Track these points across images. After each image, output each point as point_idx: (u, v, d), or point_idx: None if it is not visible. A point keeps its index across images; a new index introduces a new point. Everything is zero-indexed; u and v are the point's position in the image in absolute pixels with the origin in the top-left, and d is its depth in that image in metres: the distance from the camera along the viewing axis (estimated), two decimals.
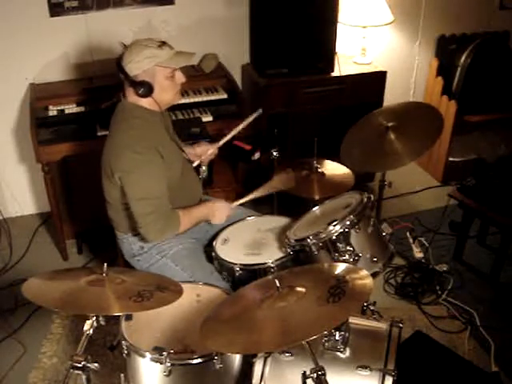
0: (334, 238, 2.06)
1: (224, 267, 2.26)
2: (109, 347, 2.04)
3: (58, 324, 2.78)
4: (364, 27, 3.51)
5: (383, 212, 3.17)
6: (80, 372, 1.64)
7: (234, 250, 2.30)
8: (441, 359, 2.32)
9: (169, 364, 1.75)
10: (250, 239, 2.37)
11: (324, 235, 2.06)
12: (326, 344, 1.78)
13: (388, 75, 3.54)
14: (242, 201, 2.45)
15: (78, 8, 3.16)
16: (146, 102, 2.16)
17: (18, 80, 3.24)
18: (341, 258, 2.05)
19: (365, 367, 1.72)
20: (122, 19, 3.24)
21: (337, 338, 1.78)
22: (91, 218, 3.20)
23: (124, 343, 1.85)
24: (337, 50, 3.41)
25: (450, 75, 3.90)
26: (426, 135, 2.59)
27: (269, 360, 1.79)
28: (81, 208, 3.33)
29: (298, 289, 1.67)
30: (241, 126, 2.59)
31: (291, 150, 3.38)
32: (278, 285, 1.67)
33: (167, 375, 1.76)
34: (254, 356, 1.81)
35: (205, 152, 2.56)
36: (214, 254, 2.30)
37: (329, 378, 1.53)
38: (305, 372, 1.55)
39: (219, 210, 2.35)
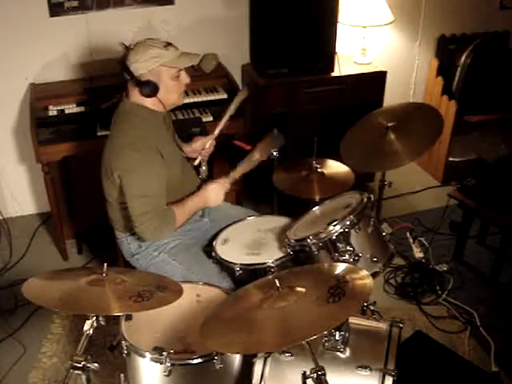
0: (333, 237, 2.06)
1: (224, 267, 2.26)
2: (109, 347, 2.03)
3: (57, 324, 2.78)
4: (364, 27, 3.50)
5: (383, 212, 3.17)
6: (80, 372, 1.64)
7: (234, 250, 2.30)
8: (441, 359, 2.32)
9: (169, 364, 1.75)
10: (250, 239, 2.37)
11: (324, 235, 2.06)
12: (326, 344, 1.78)
13: (388, 75, 3.54)
14: (235, 176, 2.40)
15: (77, 8, 3.16)
16: (149, 103, 2.16)
17: (18, 80, 3.24)
18: (341, 258, 2.05)
19: (365, 367, 1.72)
20: (122, 19, 3.24)
21: (337, 337, 1.78)
22: (91, 218, 3.20)
23: (124, 343, 1.85)
24: (337, 50, 3.41)
25: (450, 75, 3.90)
26: (426, 135, 2.59)
27: (269, 360, 1.79)
28: (81, 208, 3.33)
29: (298, 289, 1.67)
30: (231, 109, 2.55)
31: (291, 150, 3.37)
32: (278, 285, 1.67)
33: (167, 375, 1.76)
34: (254, 356, 1.80)
35: (203, 145, 2.55)
36: (213, 253, 2.30)
37: (329, 378, 1.53)
38: (305, 372, 1.55)
39: (211, 193, 2.31)
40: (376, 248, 2.15)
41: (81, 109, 3.07)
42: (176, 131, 2.45)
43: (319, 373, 1.51)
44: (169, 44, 2.13)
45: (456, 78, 3.89)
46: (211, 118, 3.12)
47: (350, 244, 2.07)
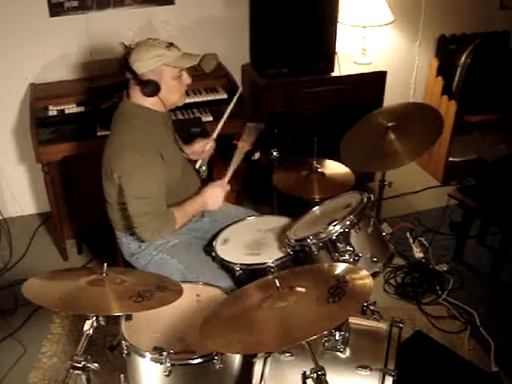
0: (333, 237, 2.06)
1: (224, 267, 2.26)
2: (109, 347, 2.03)
3: (57, 324, 2.78)
4: (364, 27, 3.51)
5: (383, 212, 3.17)
6: (80, 372, 1.64)
7: (234, 250, 2.30)
8: (441, 359, 2.32)
9: (169, 364, 1.75)
10: (250, 239, 2.37)
11: (324, 235, 2.06)
12: (326, 344, 1.78)
13: (388, 75, 3.54)
14: (229, 174, 2.41)
15: (77, 8, 3.16)
16: (150, 102, 2.16)
17: (18, 80, 3.24)
18: (341, 258, 2.05)
19: (365, 367, 1.72)
20: (122, 19, 3.24)
21: (337, 338, 1.78)
22: (91, 218, 3.20)
23: (124, 343, 1.85)
24: (337, 50, 3.41)
25: (449, 75, 3.90)
26: (426, 136, 2.59)
27: (269, 360, 1.79)
28: (81, 208, 3.33)
29: (298, 289, 1.67)
30: (228, 111, 2.56)
31: (291, 150, 3.38)
32: (278, 285, 1.67)
33: (167, 375, 1.76)
34: (254, 356, 1.80)
35: (203, 147, 2.56)
36: (213, 253, 2.30)
37: (329, 378, 1.53)
38: (305, 372, 1.55)
39: (210, 197, 2.32)
40: (376, 248, 2.15)
41: (81, 109, 3.07)
42: (176, 131, 2.44)
43: (319, 373, 1.51)
44: (171, 44, 2.13)
45: (456, 78, 3.89)
46: (211, 118, 3.12)
47: (350, 244, 2.07)
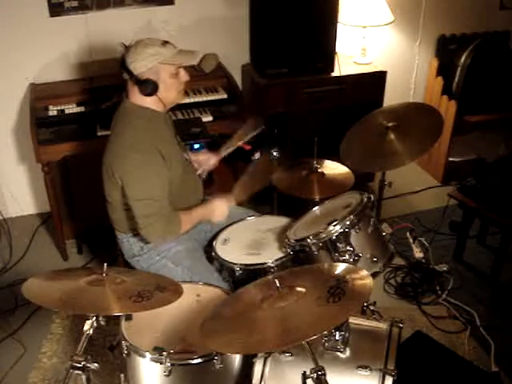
0: (333, 237, 2.06)
1: (224, 267, 2.26)
2: (109, 347, 2.03)
3: (57, 324, 2.78)
4: (364, 27, 3.51)
5: (383, 212, 3.17)
6: (80, 372, 1.64)
7: (234, 250, 2.30)
8: (441, 359, 2.32)
9: (169, 364, 1.75)
10: (250, 239, 2.36)
11: (324, 235, 2.06)
12: (326, 344, 1.78)
13: (388, 75, 3.54)
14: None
15: (77, 8, 3.16)
16: (150, 102, 2.16)
17: (18, 80, 3.24)
18: (341, 258, 2.05)
19: (365, 367, 1.72)
20: (122, 19, 3.24)
21: (337, 338, 1.78)
22: (91, 218, 3.20)
23: (124, 343, 1.85)
24: (337, 50, 3.41)
25: (449, 75, 3.90)
26: (425, 136, 2.59)
27: (269, 360, 1.79)
28: (81, 208, 3.32)
29: (298, 289, 1.67)
30: (243, 140, 2.62)
31: (291, 150, 3.38)
32: (278, 285, 1.67)
33: (167, 375, 1.76)
34: (254, 356, 1.80)
35: (206, 162, 2.58)
36: (213, 253, 2.30)
37: (329, 378, 1.53)
38: (305, 372, 1.55)
39: (217, 208, 2.34)
40: (376, 248, 2.15)
41: (81, 109, 3.07)
42: (176, 131, 2.45)
43: (319, 373, 1.51)
44: (166, 42, 2.13)
45: (456, 78, 3.89)
46: (211, 118, 3.12)
47: (350, 244, 2.07)
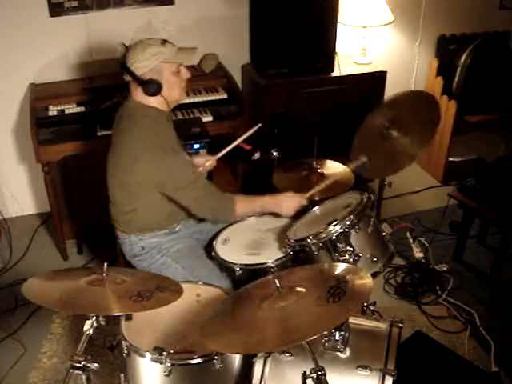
0: (333, 237, 2.06)
1: (224, 267, 2.26)
2: (109, 347, 2.03)
3: (57, 324, 2.78)
4: (364, 27, 3.51)
5: (383, 212, 3.17)
6: (80, 372, 1.64)
7: (234, 250, 2.30)
8: (441, 359, 2.32)
9: (169, 364, 1.75)
10: (250, 239, 2.36)
11: (324, 235, 2.06)
12: (326, 344, 1.78)
13: (388, 75, 3.54)
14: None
15: (77, 8, 3.16)
16: (154, 101, 2.16)
17: (18, 80, 3.24)
18: (341, 258, 2.05)
19: (365, 367, 1.72)
20: (122, 19, 3.24)
21: (337, 337, 1.77)
22: (91, 218, 3.21)
23: (124, 343, 1.85)
24: (337, 50, 3.42)
25: (450, 75, 3.89)
26: (426, 124, 2.54)
27: (269, 360, 1.79)
28: (81, 208, 3.33)
29: (298, 289, 1.67)
30: (240, 139, 2.63)
31: (291, 150, 3.37)
32: (278, 285, 1.67)
33: (167, 375, 1.76)
34: (254, 356, 1.80)
35: (203, 163, 2.58)
36: (214, 253, 2.30)
37: (329, 378, 1.53)
38: (305, 372, 1.55)
39: (286, 202, 2.35)
40: (376, 248, 2.15)
41: (81, 109, 3.07)
42: (176, 131, 2.45)
43: (319, 373, 1.51)
44: (165, 41, 2.14)
45: (456, 78, 3.89)
46: (211, 118, 3.12)
47: (350, 244, 2.07)
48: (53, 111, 3.04)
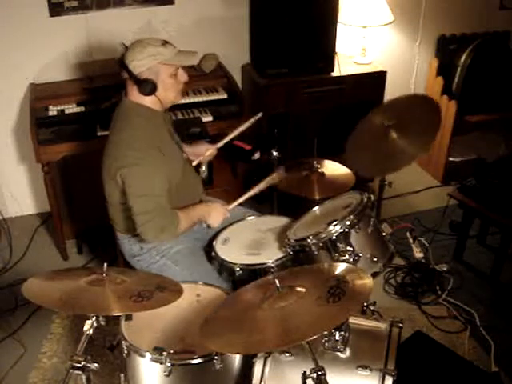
0: (334, 237, 2.06)
1: (224, 267, 2.26)
2: (109, 347, 2.03)
3: (57, 324, 2.78)
4: (364, 27, 3.51)
5: (383, 212, 3.17)
6: (80, 372, 1.64)
7: (234, 250, 2.30)
8: (441, 359, 2.32)
9: (169, 364, 1.75)
10: (250, 239, 2.36)
11: (324, 235, 2.06)
12: (326, 344, 1.78)
13: (388, 75, 3.54)
14: (237, 202, 2.43)
15: (77, 8, 3.16)
16: (148, 101, 2.16)
17: (18, 80, 3.24)
18: (341, 258, 2.05)
19: (365, 367, 1.72)
20: (122, 19, 3.24)
21: (337, 337, 1.77)
22: (91, 218, 3.20)
23: (124, 343, 1.85)
24: (337, 50, 3.42)
25: (450, 75, 3.90)
26: (427, 127, 2.54)
27: (269, 360, 1.79)
28: (81, 208, 3.33)
29: (298, 289, 1.67)
30: (240, 128, 2.61)
31: (291, 150, 3.38)
32: (278, 285, 1.67)
33: (167, 375, 1.76)
34: (254, 356, 1.80)
35: (203, 152, 2.57)
36: (213, 253, 2.30)
37: (329, 378, 1.53)
38: (305, 372, 1.55)
39: (214, 211, 2.33)
40: (376, 248, 2.15)
41: (81, 109, 3.07)
42: (176, 131, 2.45)
43: (319, 373, 1.51)
44: (166, 42, 2.13)
45: (456, 78, 3.89)
46: (211, 118, 3.12)
47: (350, 244, 2.07)
48: (53, 111, 3.04)
